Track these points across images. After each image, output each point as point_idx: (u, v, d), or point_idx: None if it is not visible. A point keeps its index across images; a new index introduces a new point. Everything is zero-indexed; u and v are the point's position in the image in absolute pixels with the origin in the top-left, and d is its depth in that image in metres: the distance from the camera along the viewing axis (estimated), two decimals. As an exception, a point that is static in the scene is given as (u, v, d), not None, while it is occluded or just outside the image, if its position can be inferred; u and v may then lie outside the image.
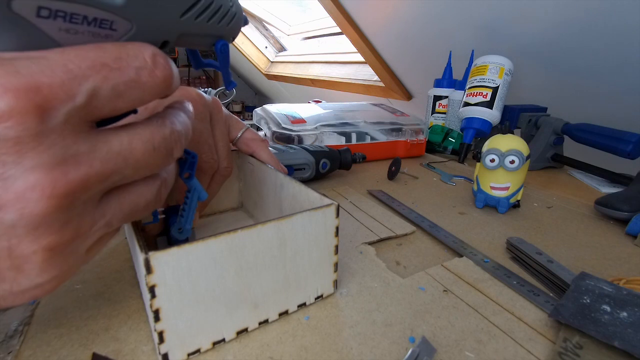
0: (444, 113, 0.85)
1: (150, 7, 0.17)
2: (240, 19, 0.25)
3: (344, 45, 1.85)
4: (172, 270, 0.19)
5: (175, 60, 3.40)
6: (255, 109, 0.74)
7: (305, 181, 0.52)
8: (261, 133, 0.75)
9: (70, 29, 0.15)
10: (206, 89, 0.56)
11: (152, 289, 0.18)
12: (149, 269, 0.18)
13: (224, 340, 0.22)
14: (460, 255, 0.34)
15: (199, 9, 0.20)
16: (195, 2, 0.20)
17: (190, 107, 0.21)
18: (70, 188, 0.14)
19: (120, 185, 0.16)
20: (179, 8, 0.19)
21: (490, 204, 0.45)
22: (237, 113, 3.74)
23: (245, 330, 0.23)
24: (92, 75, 0.14)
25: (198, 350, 0.21)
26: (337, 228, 0.25)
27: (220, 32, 0.24)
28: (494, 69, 0.66)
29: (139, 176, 0.17)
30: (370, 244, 0.35)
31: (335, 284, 0.27)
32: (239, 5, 0.25)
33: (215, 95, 0.57)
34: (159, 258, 0.18)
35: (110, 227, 0.17)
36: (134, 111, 0.18)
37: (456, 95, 0.79)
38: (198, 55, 0.25)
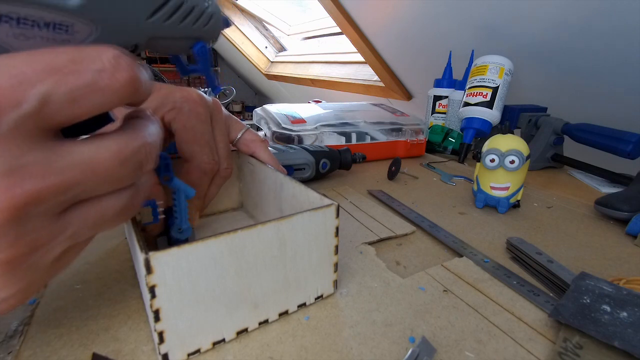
0: (444, 113, 0.85)
1: (112, 9, 0.16)
2: (218, 20, 0.24)
3: (344, 45, 1.85)
4: (172, 270, 0.19)
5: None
6: (255, 109, 0.74)
7: (305, 181, 0.52)
8: (261, 133, 0.75)
9: (21, 34, 0.14)
10: (206, 89, 0.56)
11: (152, 289, 0.18)
12: (149, 269, 0.18)
13: (224, 340, 0.22)
14: (460, 255, 0.34)
15: (169, 10, 0.19)
16: (163, 3, 0.19)
17: (155, 117, 0.20)
18: (20, 201, 0.13)
19: (86, 198, 0.16)
20: (145, 9, 0.18)
21: (490, 204, 0.45)
22: (237, 113, 3.74)
23: (245, 330, 0.23)
24: (42, 81, 0.13)
25: (198, 351, 0.21)
26: (337, 228, 0.25)
27: (197, 34, 0.23)
28: (494, 69, 0.66)
29: (104, 189, 0.16)
30: (370, 244, 0.35)
31: (335, 284, 0.27)
32: (216, 5, 0.24)
33: (216, 95, 0.57)
34: (159, 258, 0.18)
35: (76, 239, 0.16)
36: (110, 119, 0.17)
37: (456, 95, 0.79)
38: (181, 61, 0.24)
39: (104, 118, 0.17)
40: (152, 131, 0.18)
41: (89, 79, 0.14)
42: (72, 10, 0.15)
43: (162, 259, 0.18)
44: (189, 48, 0.23)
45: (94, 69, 0.14)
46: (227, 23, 0.26)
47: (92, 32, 0.16)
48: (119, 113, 0.19)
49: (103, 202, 0.16)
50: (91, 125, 0.17)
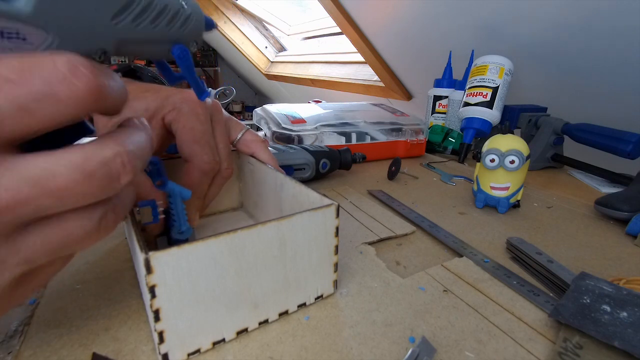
0: (444, 113, 0.85)
1: (68, 11, 0.15)
2: (199, 20, 0.22)
3: (344, 45, 1.85)
4: (172, 270, 0.19)
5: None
6: (255, 109, 0.74)
7: (305, 181, 0.52)
8: (261, 133, 0.75)
9: None
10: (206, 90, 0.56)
11: (152, 289, 0.18)
12: (149, 269, 0.18)
13: (224, 340, 0.22)
14: (460, 255, 0.34)
15: (135, 11, 0.18)
16: (127, 4, 0.17)
17: (146, 123, 0.18)
18: None
19: (45, 217, 0.14)
20: (107, 11, 0.16)
21: (490, 204, 0.45)
22: (237, 113, 3.74)
23: (245, 330, 0.23)
24: None
25: (198, 350, 0.21)
26: (337, 228, 0.25)
27: (174, 36, 0.21)
28: (494, 69, 0.66)
29: (67, 207, 0.14)
30: (370, 244, 0.35)
31: (335, 284, 0.27)
32: (194, 5, 0.22)
33: (216, 95, 0.57)
34: (159, 258, 0.18)
35: (34, 262, 0.14)
36: (87, 130, 0.16)
37: (456, 95, 0.79)
38: (167, 68, 0.22)
39: (79, 129, 0.16)
40: (135, 139, 0.16)
41: (40, 88, 0.12)
42: (20, 15, 0.13)
43: (162, 258, 0.18)
44: (168, 52, 0.21)
45: (45, 76, 0.13)
46: (211, 25, 0.24)
47: (47, 38, 0.14)
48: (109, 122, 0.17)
49: (66, 221, 0.14)
50: (65, 137, 0.15)
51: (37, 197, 0.13)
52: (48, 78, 0.13)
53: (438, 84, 0.86)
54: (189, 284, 0.19)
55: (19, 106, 0.12)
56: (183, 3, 0.20)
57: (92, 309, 0.25)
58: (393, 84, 1.44)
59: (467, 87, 0.69)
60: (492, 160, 0.42)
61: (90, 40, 0.16)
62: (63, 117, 0.13)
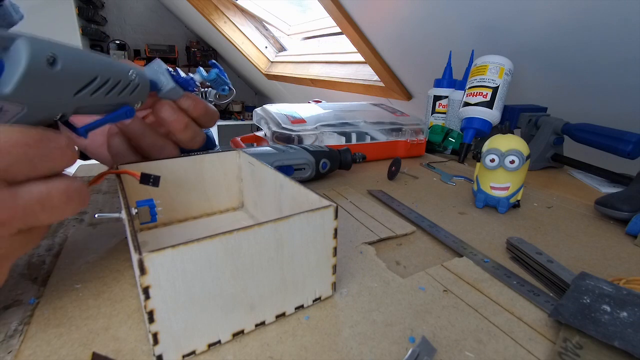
0: (444, 113, 0.85)
1: (40, 92, 0.19)
2: (145, 86, 0.28)
3: (344, 45, 1.84)
4: (166, 271, 0.18)
5: (175, 60, 3.42)
6: (255, 109, 0.74)
7: (305, 181, 0.52)
8: (261, 133, 0.75)
9: None
10: (206, 89, 0.56)
11: (146, 290, 0.18)
12: (142, 270, 0.18)
13: (219, 342, 0.22)
14: (460, 255, 0.34)
15: (94, 87, 0.22)
16: (88, 83, 0.21)
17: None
18: None
19: None
20: (71, 89, 0.21)
21: (490, 204, 0.45)
22: (237, 113, 3.74)
23: (242, 332, 0.23)
24: (11, 152, 0.18)
25: (193, 352, 0.21)
26: (335, 230, 0.25)
27: (123, 101, 0.26)
28: (494, 69, 0.66)
29: None
30: (370, 243, 0.35)
31: (334, 286, 0.27)
32: (143, 75, 0.27)
33: (215, 96, 0.57)
34: (153, 259, 0.18)
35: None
36: None
37: (456, 95, 0.79)
38: (71, 126, 0.25)
39: None
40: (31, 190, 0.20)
41: (47, 153, 0.19)
42: (3, 97, 0.17)
43: (156, 259, 0.18)
44: (114, 109, 0.26)
45: (53, 146, 0.19)
46: (156, 86, 0.31)
47: (20, 110, 0.19)
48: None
49: None
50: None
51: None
52: (54, 147, 0.20)
53: (438, 84, 0.86)
54: (184, 285, 0.19)
55: (31, 163, 0.19)
56: (133, 76, 0.26)
57: (92, 308, 0.25)
58: (393, 84, 1.44)
59: (467, 87, 0.69)
60: (492, 160, 0.42)
61: (54, 109, 0.21)
62: (54, 171, 0.20)
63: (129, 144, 0.36)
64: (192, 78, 0.35)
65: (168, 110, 0.34)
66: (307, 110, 0.70)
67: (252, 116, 0.77)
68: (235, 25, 2.67)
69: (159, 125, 0.36)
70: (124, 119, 0.26)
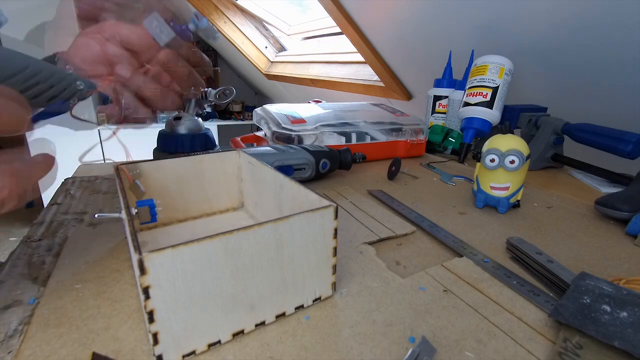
0: (444, 113, 0.85)
1: None
2: (90, 86, 0.30)
3: (344, 45, 1.84)
4: (166, 271, 0.18)
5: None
6: (255, 109, 0.74)
7: (305, 181, 0.52)
8: (261, 133, 0.75)
9: None
10: (206, 89, 0.56)
11: (146, 290, 0.18)
12: (142, 270, 0.18)
13: (219, 342, 0.22)
14: (460, 255, 0.34)
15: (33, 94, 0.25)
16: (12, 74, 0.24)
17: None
18: None
19: None
20: None
21: (490, 204, 0.45)
22: (237, 113, 3.74)
23: (242, 332, 0.23)
24: None
25: (193, 352, 0.21)
26: (335, 230, 0.25)
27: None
28: (494, 69, 0.66)
29: None
30: (370, 244, 0.35)
31: (334, 286, 0.27)
32: (87, 82, 0.30)
33: (216, 95, 0.57)
34: (153, 259, 0.18)
35: None
36: None
37: (456, 95, 0.79)
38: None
39: None
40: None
41: None
42: None
43: (156, 259, 0.18)
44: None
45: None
46: (93, 87, 0.32)
47: None
48: None
49: None
50: None
51: None
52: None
53: (438, 84, 0.86)
54: (184, 285, 0.19)
55: None
56: (79, 84, 0.29)
57: (92, 308, 0.25)
58: (393, 84, 1.44)
59: (467, 87, 0.69)
60: (492, 160, 0.42)
61: None
62: None
63: (137, 97, 0.39)
64: (187, 27, 0.39)
65: (173, 59, 0.38)
66: (307, 110, 0.70)
67: (252, 116, 0.77)
68: (235, 25, 2.66)
69: (160, 77, 0.39)
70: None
